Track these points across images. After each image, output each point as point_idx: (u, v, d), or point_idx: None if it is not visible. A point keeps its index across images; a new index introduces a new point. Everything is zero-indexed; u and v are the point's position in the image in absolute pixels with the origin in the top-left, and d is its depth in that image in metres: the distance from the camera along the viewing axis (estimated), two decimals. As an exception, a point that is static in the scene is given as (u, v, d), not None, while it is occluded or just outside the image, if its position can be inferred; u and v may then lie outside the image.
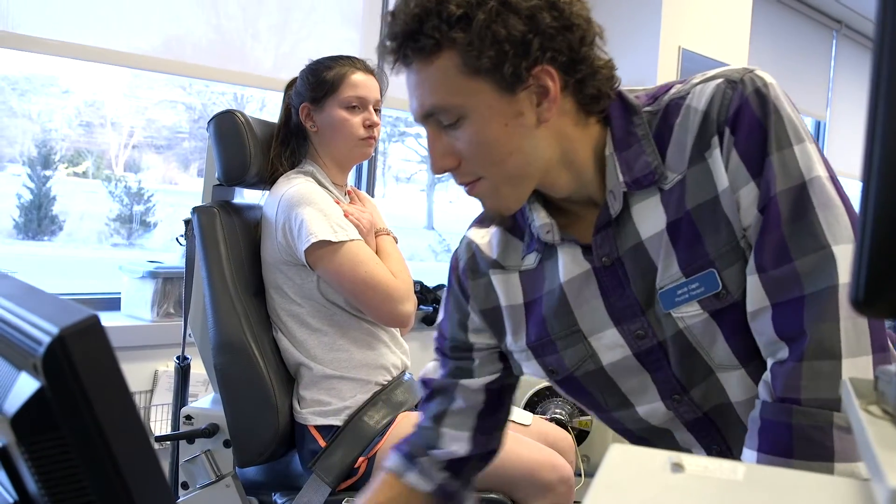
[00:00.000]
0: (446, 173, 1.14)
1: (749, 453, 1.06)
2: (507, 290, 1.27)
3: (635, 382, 1.20)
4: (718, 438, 1.20)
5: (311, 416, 1.99)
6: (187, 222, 2.11)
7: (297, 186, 2.01)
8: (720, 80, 1.10)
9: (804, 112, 6.28)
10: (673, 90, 1.13)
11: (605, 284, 1.16)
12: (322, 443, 1.97)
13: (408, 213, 7.24)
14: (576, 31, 1.07)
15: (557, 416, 2.34)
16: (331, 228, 1.95)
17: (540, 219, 1.18)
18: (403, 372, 2.15)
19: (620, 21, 4.30)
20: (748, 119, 1.07)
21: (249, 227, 2.10)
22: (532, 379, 2.38)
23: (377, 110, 2.14)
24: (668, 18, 4.20)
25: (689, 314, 1.11)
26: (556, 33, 1.05)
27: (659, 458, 0.86)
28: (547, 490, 1.96)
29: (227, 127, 2.06)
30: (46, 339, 0.73)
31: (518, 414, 2.23)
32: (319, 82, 2.09)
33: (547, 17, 1.05)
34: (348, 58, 2.14)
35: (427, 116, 1.11)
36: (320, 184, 2.08)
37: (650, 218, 1.12)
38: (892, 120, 0.64)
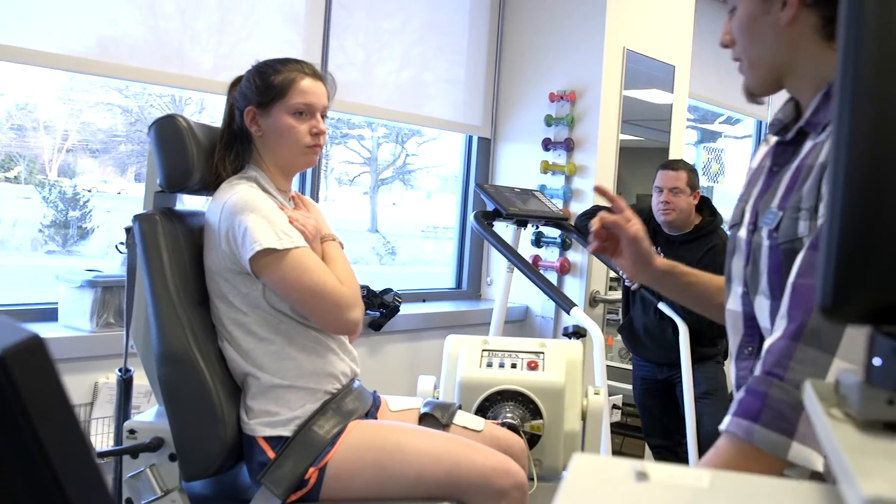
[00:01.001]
0: None
1: (726, 419, 1.17)
2: (757, 155, 1.54)
3: (738, 263, 1.41)
4: (757, 340, 1.36)
5: (259, 427, 1.95)
6: (128, 230, 2.05)
7: (240, 193, 1.96)
8: None
9: (748, 114, 6.37)
10: None
11: (765, 182, 1.40)
12: (271, 454, 1.93)
13: (351, 216, 7.20)
14: None
15: (509, 420, 2.32)
16: (275, 236, 1.91)
17: (782, 112, 1.42)
18: (353, 379, 2.12)
19: (566, 22, 4.31)
20: None
21: (193, 234, 2.05)
22: (483, 383, 2.36)
23: (324, 117, 2.10)
24: (612, 19, 4.23)
25: (762, 236, 1.32)
26: None
27: (622, 466, 0.85)
28: (501, 496, 1.94)
29: (168, 132, 2.00)
30: (-16, 361, 0.69)
31: (470, 419, 2.21)
32: (267, 86, 2.04)
33: None
34: (296, 62, 2.10)
35: (724, 2, 1.42)
36: (264, 189, 2.03)
37: (800, 154, 1.34)
38: (857, 134, 0.64)
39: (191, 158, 2.00)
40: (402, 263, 6.74)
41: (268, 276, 1.93)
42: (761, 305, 1.32)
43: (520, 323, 4.43)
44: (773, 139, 1.45)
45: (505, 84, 4.55)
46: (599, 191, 1.72)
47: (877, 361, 0.67)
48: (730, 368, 1.46)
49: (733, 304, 1.42)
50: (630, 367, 4.19)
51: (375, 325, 3.67)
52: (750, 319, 1.37)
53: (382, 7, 3.97)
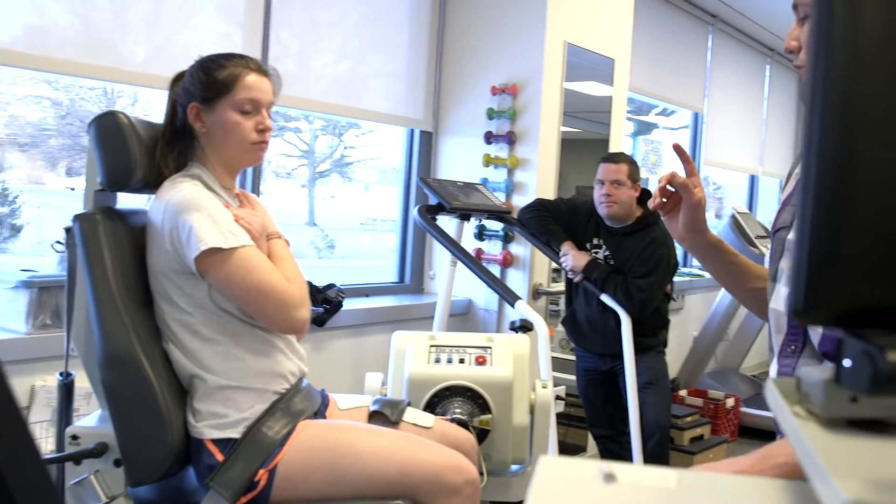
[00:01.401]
0: None
1: None
2: None
3: (787, 263, 1.41)
4: (801, 340, 1.39)
5: (207, 430, 1.91)
6: (68, 230, 1.99)
7: (183, 191, 1.92)
8: None
9: (685, 105, 6.46)
10: None
11: None
12: (219, 457, 1.90)
13: (289, 210, 7.12)
14: None
15: (458, 416, 2.32)
16: (221, 235, 1.87)
17: None
18: (301, 379, 2.09)
19: (507, 16, 4.31)
20: None
21: (135, 233, 2.00)
22: (431, 379, 2.35)
23: (269, 112, 2.07)
24: (553, 13, 4.24)
25: None
26: None
27: (589, 468, 0.85)
28: (453, 493, 1.94)
29: (109, 129, 1.95)
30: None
31: (419, 416, 2.21)
32: (211, 82, 2.00)
33: None
34: (241, 56, 2.06)
35: (794, 8, 1.38)
36: (208, 187, 1.99)
37: None
38: (827, 141, 0.65)
39: (133, 156, 1.95)
40: (340, 257, 6.70)
41: (213, 276, 1.89)
42: None
43: (463, 316, 4.43)
44: None
45: (446, 77, 4.54)
46: (677, 149, 1.72)
47: (847, 363, 0.68)
48: (772, 365, 1.48)
49: (778, 303, 1.44)
50: (572, 357, 4.23)
51: (319, 322, 3.63)
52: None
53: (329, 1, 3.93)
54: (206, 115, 2.01)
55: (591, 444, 4.58)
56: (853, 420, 0.75)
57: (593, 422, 4.01)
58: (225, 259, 1.87)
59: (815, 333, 1.35)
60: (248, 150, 2.04)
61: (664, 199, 1.64)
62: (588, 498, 0.79)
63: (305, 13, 3.83)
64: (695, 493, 0.80)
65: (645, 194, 3.78)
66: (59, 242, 2.98)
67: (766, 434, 5.36)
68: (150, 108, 3.98)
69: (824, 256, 0.63)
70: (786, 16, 1.48)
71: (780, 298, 1.44)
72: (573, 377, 4.07)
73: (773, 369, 1.46)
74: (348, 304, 3.83)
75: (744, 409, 5.51)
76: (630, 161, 3.72)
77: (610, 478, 0.81)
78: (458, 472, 1.95)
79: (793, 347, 1.43)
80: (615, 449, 3.92)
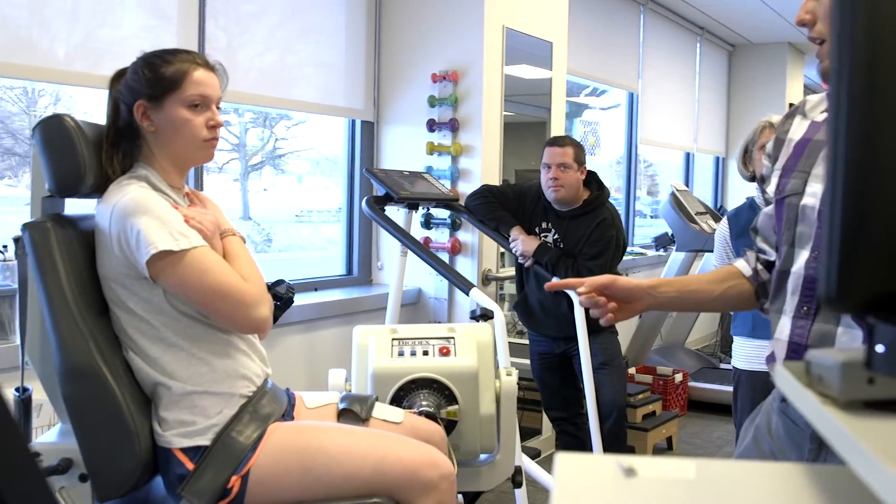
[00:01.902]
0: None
1: None
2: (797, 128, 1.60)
3: (807, 230, 1.48)
4: (815, 302, 1.47)
5: (175, 438, 1.86)
6: (17, 240, 1.92)
7: (130, 194, 1.86)
8: None
9: (621, 86, 6.51)
10: None
11: None
12: (189, 465, 1.85)
13: (222, 204, 7.02)
14: None
15: (425, 408, 2.30)
16: (171, 237, 1.82)
17: None
18: (266, 380, 2.05)
19: (444, 2, 4.29)
20: None
21: (87, 240, 1.93)
22: (396, 373, 2.33)
23: (218, 108, 2.02)
24: (490, -1, 4.23)
25: None
26: None
27: (607, 463, 0.84)
28: (430, 488, 1.92)
29: (55, 133, 1.88)
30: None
31: (389, 411, 2.18)
32: (158, 78, 1.93)
33: None
34: (186, 52, 2.00)
35: None
36: (156, 188, 1.94)
37: None
38: (856, 129, 0.64)
39: (82, 161, 1.88)
40: (278, 250, 6.63)
41: (166, 280, 1.84)
42: None
43: (413, 306, 4.42)
44: (823, 115, 1.53)
45: (386, 66, 4.50)
46: (550, 288, 1.85)
47: (880, 349, 0.68)
48: (782, 325, 1.54)
49: (796, 266, 1.51)
50: (523, 341, 4.24)
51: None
52: (811, 282, 1.47)
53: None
54: (154, 113, 1.95)
55: (546, 426, 4.61)
56: (871, 402, 0.76)
57: (549, 405, 4.03)
58: (177, 262, 1.82)
59: None
60: (200, 148, 1.99)
61: (608, 309, 1.68)
62: (613, 494, 0.78)
63: (230, 4, 3.74)
64: (716, 482, 0.80)
65: (591, 176, 3.80)
66: (3, 248, 2.89)
67: (714, 407, 5.47)
68: (73, 106, 3.87)
69: (854, 243, 0.63)
70: None
71: (800, 262, 1.50)
72: (526, 361, 4.08)
73: (786, 333, 1.52)
74: (298, 300, 3.77)
75: (692, 383, 5.60)
76: (575, 144, 3.73)
77: (630, 472, 0.80)
78: (433, 467, 1.93)
79: (806, 308, 1.49)
80: (572, 430, 3.94)
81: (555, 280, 3.58)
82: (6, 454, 0.65)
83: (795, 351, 1.50)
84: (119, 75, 2.02)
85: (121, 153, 1.98)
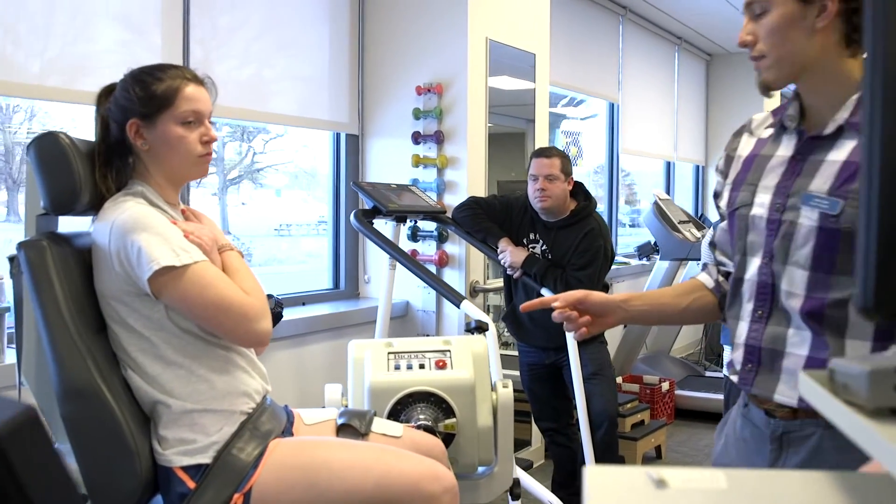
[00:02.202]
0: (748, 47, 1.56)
1: None
2: (745, 144, 1.73)
3: (757, 238, 1.59)
4: (768, 306, 1.57)
5: (175, 457, 1.85)
6: (12, 259, 1.90)
7: (128, 211, 1.85)
8: None
9: (601, 96, 6.54)
10: None
11: (789, 168, 1.57)
12: (191, 484, 1.83)
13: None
14: None
15: (423, 422, 2.29)
16: (172, 252, 1.81)
17: (794, 110, 1.59)
18: (265, 397, 2.04)
19: (428, 15, 4.30)
20: None
21: (83, 257, 1.92)
22: (393, 387, 2.33)
23: (211, 122, 2.01)
24: (474, 10, 4.24)
25: (808, 214, 1.50)
26: None
27: (636, 474, 0.84)
28: (432, 501, 1.91)
29: (50, 151, 1.87)
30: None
31: (388, 426, 2.18)
32: (149, 96, 1.92)
33: None
34: (176, 67, 1.99)
35: (748, 5, 1.54)
36: (152, 204, 1.93)
37: (841, 149, 1.50)
38: (891, 142, 0.65)
39: (77, 179, 1.87)
40: (258, 265, 6.60)
41: (168, 296, 1.83)
42: (793, 274, 1.53)
43: (401, 319, 4.41)
44: (767, 131, 1.67)
45: (370, 79, 4.51)
46: (524, 309, 1.93)
47: (920, 356, 0.68)
48: (740, 330, 1.63)
49: (749, 274, 1.61)
50: (512, 353, 4.24)
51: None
52: (764, 287, 1.58)
53: (249, 3, 3.84)
54: (147, 131, 1.94)
55: (535, 437, 4.61)
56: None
57: (539, 416, 4.03)
58: (179, 277, 1.81)
59: (796, 298, 1.52)
60: (195, 164, 1.99)
61: (582, 323, 1.75)
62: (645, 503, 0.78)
63: (209, 18, 3.72)
64: (748, 493, 0.80)
65: (578, 187, 3.81)
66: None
67: (700, 415, 5.48)
68: (48, 121, 3.84)
69: (889, 254, 0.64)
70: (691, 3, 1.62)
71: (753, 269, 1.60)
72: (515, 372, 4.08)
73: (742, 336, 1.61)
74: (286, 314, 3.76)
75: (678, 391, 5.62)
76: (562, 155, 3.74)
77: (661, 483, 0.80)
78: (436, 480, 1.93)
79: (760, 312, 1.58)
80: (563, 441, 3.94)
81: (545, 293, 3.60)
82: (46, 475, 0.65)
83: (751, 353, 1.59)
84: (107, 92, 2.00)
85: (114, 170, 1.97)
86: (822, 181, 1.50)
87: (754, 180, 1.63)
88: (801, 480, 0.84)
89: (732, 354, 1.66)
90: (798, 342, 1.53)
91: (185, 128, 1.94)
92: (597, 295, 1.75)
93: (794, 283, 1.53)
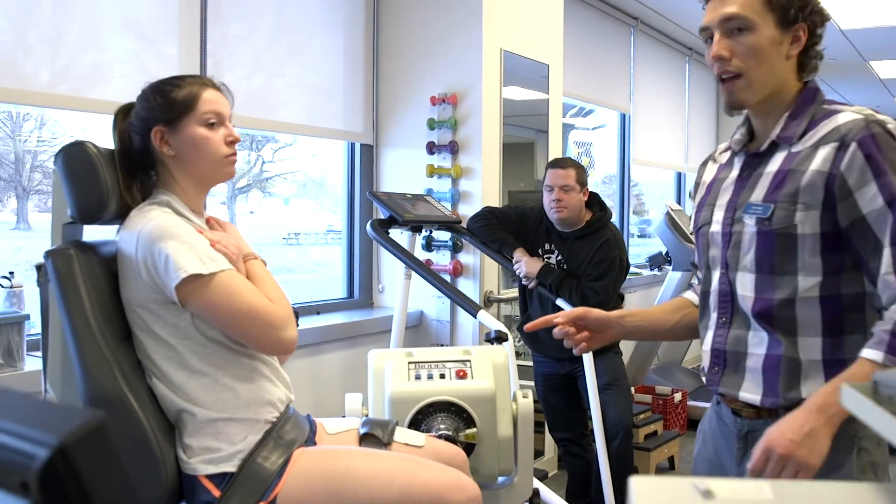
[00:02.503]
0: (721, 64, 1.65)
1: (874, 352, 1.48)
2: (709, 171, 1.89)
3: (716, 252, 1.74)
4: (729, 312, 1.71)
5: (200, 466, 1.85)
6: (39, 267, 1.91)
7: (155, 220, 1.86)
8: (861, 116, 1.60)
9: (613, 107, 6.55)
10: (837, 105, 1.66)
11: (737, 186, 1.72)
12: (216, 492, 1.84)
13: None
14: (821, 15, 1.66)
15: (444, 431, 2.29)
16: (199, 260, 1.82)
17: (740, 135, 1.77)
18: (288, 406, 2.04)
19: (442, 26, 4.32)
20: (876, 145, 1.56)
21: (110, 266, 1.93)
22: (414, 397, 2.33)
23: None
24: (489, 22, 4.26)
25: (749, 222, 1.65)
26: (815, 12, 1.65)
27: (683, 485, 0.84)
28: None
29: (78, 160, 1.88)
30: (42, 452, 0.62)
31: (410, 435, 2.17)
32: (171, 103, 1.94)
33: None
34: (193, 76, 2.03)
35: (725, 20, 1.62)
36: (178, 213, 1.94)
37: (774, 162, 1.66)
38: None
39: (105, 187, 1.88)
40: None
41: (195, 304, 1.84)
42: (743, 279, 1.67)
43: (416, 328, 4.41)
44: (725, 156, 1.83)
45: (384, 89, 4.52)
46: (528, 329, 2.08)
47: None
48: (707, 337, 1.78)
49: (713, 285, 1.75)
50: (527, 363, 4.24)
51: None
52: (724, 296, 1.72)
53: (261, 13, 3.86)
54: (172, 136, 1.95)
55: (549, 447, 4.61)
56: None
57: (554, 426, 4.03)
58: (206, 285, 1.82)
59: (748, 301, 1.66)
60: (221, 164, 1.99)
61: (582, 338, 1.91)
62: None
63: (221, 28, 3.74)
64: (795, 502, 0.80)
65: (593, 197, 3.81)
66: (5, 278, 2.87)
67: (712, 425, 5.46)
68: (58, 129, 3.86)
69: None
70: (701, 14, 1.70)
71: (715, 282, 1.74)
72: (530, 382, 4.08)
73: (708, 342, 1.76)
74: (301, 324, 3.76)
75: (690, 402, 5.61)
76: (577, 165, 3.75)
77: (708, 494, 0.81)
78: (460, 490, 1.93)
79: (724, 319, 1.72)
80: (578, 451, 3.94)
81: (560, 304, 3.60)
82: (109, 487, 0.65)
83: (717, 356, 1.73)
84: (124, 111, 2.02)
85: (138, 181, 1.98)
86: (759, 192, 1.65)
87: (712, 201, 1.78)
88: (847, 491, 0.84)
89: (702, 360, 1.81)
90: (757, 343, 1.66)
91: (209, 129, 1.96)
92: (596, 312, 1.89)
93: (746, 287, 1.67)
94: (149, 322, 1.87)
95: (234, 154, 2.01)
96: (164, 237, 1.83)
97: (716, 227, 1.74)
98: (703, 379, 1.80)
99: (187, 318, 1.87)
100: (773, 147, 1.68)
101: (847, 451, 1.57)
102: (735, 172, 1.75)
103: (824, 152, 1.58)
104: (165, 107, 1.94)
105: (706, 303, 1.78)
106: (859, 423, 1.50)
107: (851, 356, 1.53)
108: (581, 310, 1.89)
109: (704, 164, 1.92)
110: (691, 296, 1.94)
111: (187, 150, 1.96)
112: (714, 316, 1.74)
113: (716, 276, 1.74)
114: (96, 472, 0.63)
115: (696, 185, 1.93)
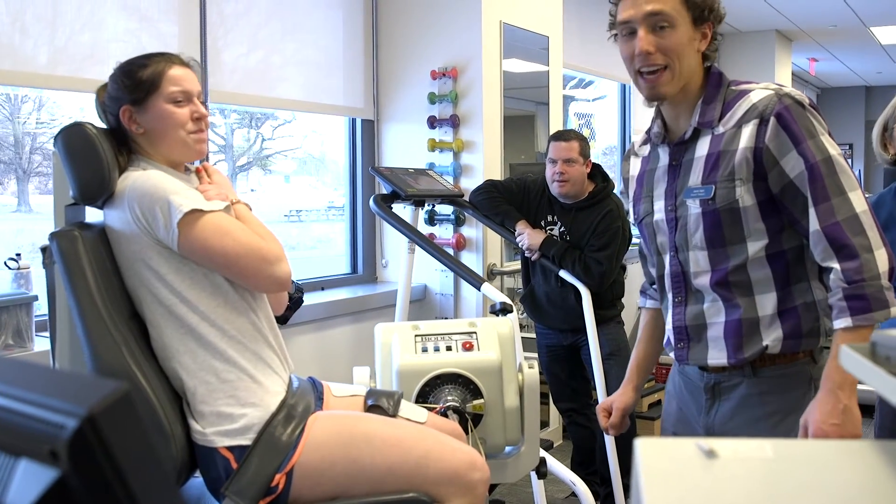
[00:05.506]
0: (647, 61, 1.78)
1: (843, 321, 1.65)
2: (634, 166, 2.05)
3: (664, 238, 1.89)
4: (683, 291, 1.88)
5: (217, 438, 1.86)
6: (44, 249, 1.92)
7: (142, 176, 1.89)
8: (771, 91, 1.75)
9: (613, 78, 6.53)
10: (744, 85, 1.81)
11: (670, 175, 1.87)
12: (234, 464, 1.85)
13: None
14: (719, 15, 1.82)
15: (451, 402, 2.31)
16: (196, 200, 1.87)
17: (657, 127, 1.91)
18: (290, 383, 2.05)
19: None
20: (791, 116, 1.71)
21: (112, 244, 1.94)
22: (421, 369, 2.35)
23: (202, 103, 2.03)
24: (487, -6, 4.24)
25: (692, 205, 1.80)
26: (717, 13, 1.81)
27: (687, 445, 0.86)
28: (468, 490, 1.94)
29: (77, 141, 1.89)
30: (71, 422, 0.63)
31: (413, 410, 2.18)
32: (136, 83, 1.96)
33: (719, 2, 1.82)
34: (160, 54, 2.03)
35: (649, 16, 1.74)
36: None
37: (701, 146, 1.81)
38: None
39: (105, 166, 1.89)
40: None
41: (190, 245, 1.85)
42: (696, 256, 1.83)
43: (420, 302, 4.43)
44: (645, 149, 1.98)
45: (385, 64, 4.52)
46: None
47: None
48: (668, 318, 1.93)
49: (666, 270, 1.91)
50: (529, 335, 4.26)
51: (282, 320, 3.58)
52: (677, 276, 1.88)
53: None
54: (140, 115, 1.96)
55: (553, 418, 4.64)
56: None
57: (558, 397, 4.05)
58: (202, 225, 1.85)
59: (703, 275, 1.81)
60: (188, 143, 1.99)
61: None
62: (699, 474, 0.80)
63: (217, 4, 3.73)
64: (794, 460, 0.82)
65: (595, 169, 3.82)
66: (12, 259, 2.89)
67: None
68: (56, 110, 3.86)
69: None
70: None
71: (668, 266, 1.89)
72: (533, 354, 4.10)
73: (670, 321, 1.91)
74: (306, 299, 3.79)
75: (693, 371, 5.64)
76: (580, 138, 3.75)
77: (711, 454, 0.82)
78: (474, 468, 1.94)
79: (679, 298, 1.88)
80: (582, 421, 3.96)
81: (563, 275, 3.61)
82: (161, 496, 0.67)
83: (680, 333, 1.88)
84: (104, 87, 2.04)
85: (123, 156, 1.99)
86: (695, 176, 1.80)
87: (648, 192, 1.93)
88: (846, 448, 0.86)
89: (667, 337, 1.96)
90: (714, 312, 1.82)
91: (175, 105, 1.97)
92: (626, 404, 2.20)
93: (699, 264, 1.82)
94: (148, 281, 1.88)
95: (202, 131, 2.01)
96: (157, 187, 1.86)
97: (659, 215, 1.89)
98: (671, 354, 1.94)
99: (188, 263, 1.89)
100: (696, 133, 1.82)
101: (805, 390, 1.78)
102: (664, 162, 1.89)
103: (748, 130, 1.73)
104: (132, 87, 1.96)
105: (662, 286, 1.94)
106: (815, 367, 1.79)
107: (801, 302, 1.78)
108: (619, 412, 2.20)
109: (627, 159, 2.07)
110: (651, 304, 2.13)
111: (155, 127, 1.97)
112: (670, 296, 1.90)
113: (667, 259, 1.89)
114: (124, 440, 0.64)
115: (625, 180, 2.07)
